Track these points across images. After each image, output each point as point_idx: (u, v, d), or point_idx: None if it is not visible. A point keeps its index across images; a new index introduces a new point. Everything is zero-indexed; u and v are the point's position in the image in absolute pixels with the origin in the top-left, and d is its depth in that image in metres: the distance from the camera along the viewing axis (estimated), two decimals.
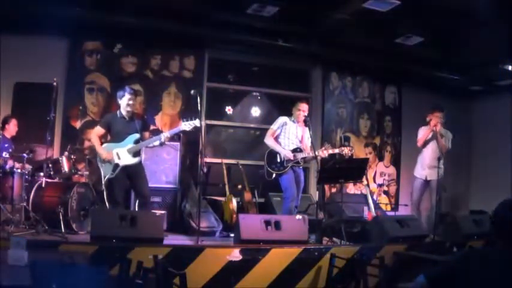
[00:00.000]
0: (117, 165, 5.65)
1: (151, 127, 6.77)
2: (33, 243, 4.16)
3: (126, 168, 5.68)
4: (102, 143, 5.88)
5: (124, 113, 5.76)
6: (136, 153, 5.74)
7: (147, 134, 5.90)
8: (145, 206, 5.82)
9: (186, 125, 5.58)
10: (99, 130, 5.86)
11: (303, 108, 6.35)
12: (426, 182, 7.03)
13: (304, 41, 7.88)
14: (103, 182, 5.78)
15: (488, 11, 6.24)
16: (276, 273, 5.13)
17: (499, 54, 8.04)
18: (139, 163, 5.80)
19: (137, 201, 6.00)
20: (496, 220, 2.41)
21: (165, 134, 5.70)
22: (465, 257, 2.45)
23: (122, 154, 5.67)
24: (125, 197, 5.97)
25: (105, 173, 5.72)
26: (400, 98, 9.47)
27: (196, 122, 5.54)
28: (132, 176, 5.76)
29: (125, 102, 5.71)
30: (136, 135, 5.73)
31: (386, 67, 8.86)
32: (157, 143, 5.71)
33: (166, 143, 5.81)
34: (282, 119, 6.43)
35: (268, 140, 6.37)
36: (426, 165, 7.01)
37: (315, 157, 6.05)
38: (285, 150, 6.24)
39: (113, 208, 5.72)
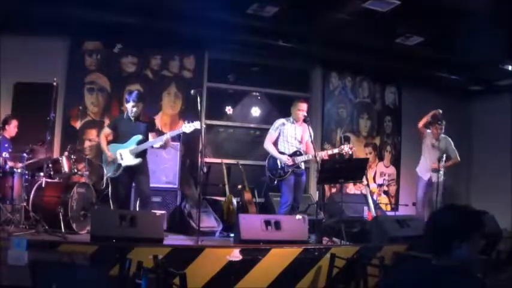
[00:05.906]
0: (119, 165, 5.74)
1: None
2: (33, 243, 4.17)
3: (128, 168, 5.75)
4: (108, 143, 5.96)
5: (130, 114, 5.84)
6: (138, 154, 5.78)
7: (152, 135, 5.90)
8: (146, 205, 5.86)
9: (187, 127, 5.61)
10: (106, 131, 6.03)
11: (302, 108, 6.24)
12: (430, 183, 7.15)
13: (304, 41, 7.87)
14: (104, 181, 5.92)
15: (488, 10, 6.24)
16: (276, 273, 5.13)
17: (499, 54, 8.04)
18: (142, 164, 5.82)
19: (138, 200, 6.03)
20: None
21: (166, 136, 5.72)
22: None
23: (124, 155, 5.75)
24: (127, 195, 6.04)
25: (108, 172, 5.85)
26: (400, 98, 9.46)
27: (196, 124, 5.56)
28: (134, 175, 5.82)
29: (129, 108, 5.84)
30: (140, 137, 5.79)
31: (386, 67, 8.84)
32: (157, 144, 5.75)
33: (168, 145, 5.80)
34: (279, 122, 6.34)
35: (267, 146, 6.28)
36: (430, 168, 7.15)
37: (315, 158, 6.03)
38: (283, 156, 6.13)
39: (115, 206, 5.81)
